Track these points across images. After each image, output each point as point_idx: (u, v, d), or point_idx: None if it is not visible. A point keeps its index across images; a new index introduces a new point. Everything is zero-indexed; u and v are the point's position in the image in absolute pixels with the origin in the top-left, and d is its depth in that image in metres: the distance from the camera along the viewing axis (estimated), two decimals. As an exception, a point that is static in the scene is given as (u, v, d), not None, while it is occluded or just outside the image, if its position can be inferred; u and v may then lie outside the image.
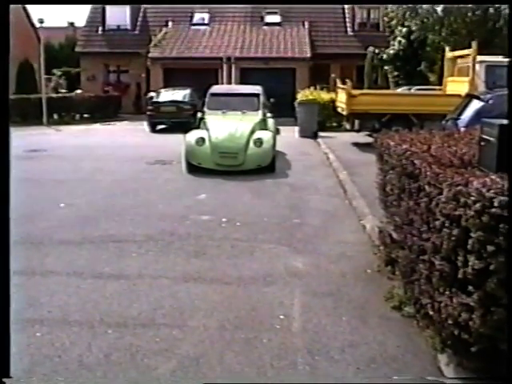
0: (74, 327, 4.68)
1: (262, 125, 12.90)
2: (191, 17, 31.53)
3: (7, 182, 3.34)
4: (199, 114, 13.65)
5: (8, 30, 3.48)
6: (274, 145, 12.37)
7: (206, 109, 13.52)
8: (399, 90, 22.22)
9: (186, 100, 21.90)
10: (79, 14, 68.59)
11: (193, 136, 12.11)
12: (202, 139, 11.90)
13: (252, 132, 12.09)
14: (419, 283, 4.39)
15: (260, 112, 13.24)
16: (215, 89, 14.92)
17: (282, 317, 4.83)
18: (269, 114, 14.10)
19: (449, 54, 17.10)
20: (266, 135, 12.16)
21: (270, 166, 11.83)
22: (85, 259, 6.35)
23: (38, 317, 4.86)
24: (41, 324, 4.73)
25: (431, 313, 4.02)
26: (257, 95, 13.77)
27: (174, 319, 4.82)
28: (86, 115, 26.42)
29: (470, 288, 3.38)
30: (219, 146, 11.74)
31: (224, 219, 7.95)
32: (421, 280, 4.33)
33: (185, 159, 12.06)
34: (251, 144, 11.81)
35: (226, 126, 12.34)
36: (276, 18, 31.20)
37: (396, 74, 26.27)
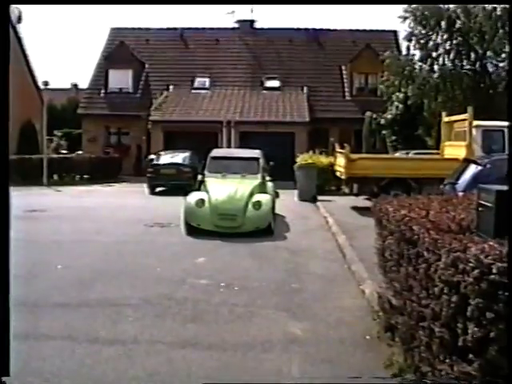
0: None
1: (261, 188, 13.14)
2: (192, 81, 32.16)
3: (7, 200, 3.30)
4: (199, 177, 13.90)
5: (8, 29, 3.50)
6: (272, 208, 12.49)
7: (206, 171, 13.72)
8: (397, 154, 22.47)
9: (186, 163, 22.09)
10: (83, 76, 70.30)
11: (193, 198, 12.32)
12: (202, 201, 12.09)
13: (251, 195, 12.30)
14: (419, 350, 4.32)
15: (259, 175, 13.49)
16: (216, 152, 15.20)
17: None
18: (268, 178, 14.46)
19: (445, 119, 17.38)
20: (264, 198, 12.38)
21: (268, 229, 11.95)
22: (80, 323, 6.25)
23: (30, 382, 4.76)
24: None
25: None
26: (256, 159, 14.06)
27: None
28: (86, 176, 26.58)
29: (471, 356, 3.33)
30: (219, 208, 11.90)
31: (222, 283, 7.88)
32: (421, 347, 4.27)
33: (184, 221, 12.12)
34: (250, 206, 11.99)
35: (225, 188, 12.53)
36: (275, 83, 31.84)
37: (394, 138, 26.60)
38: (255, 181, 13.19)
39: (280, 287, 7.85)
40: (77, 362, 5.15)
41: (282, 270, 8.98)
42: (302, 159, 20.59)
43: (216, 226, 11.75)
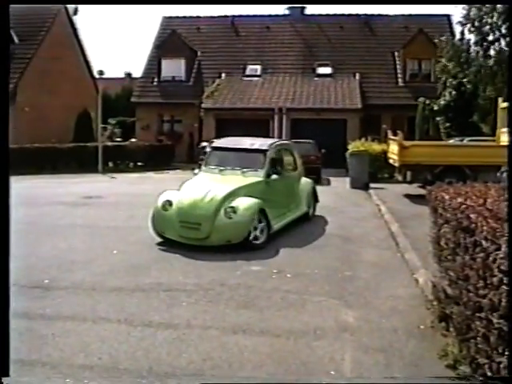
0: (124, 375, 4.70)
1: (262, 188, 10.43)
2: (244, 68, 32.18)
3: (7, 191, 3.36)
4: (196, 170, 11.75)
5: (8, 29, 3.56)
6: (307, 213, 11.91)
7: (203, 165, 11.44)
8: (451, 142, 22.01)
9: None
10: (136, 65, 71.37)
11: (163, 197, 10.04)
12: (169, 203, 9.81)
13: (229, 197, 9.66)
14: (476, 341, 4.24)
15: (263, 172, 10.64)
16: (220, 142, 12.49)
17: (332, 372, 4.73)
18: (296, 174, 12.43)
19: (502, 105, 16.90)
20: (245, 203, 9.59)
21: (244, 243, 9.33)
22: (135, 307, 6.39)
23: (89, 363, 4.89)
24: (90, 371, 4.76)
25: (489, 374, 3.87)
26: (263, 151, 10.99)
27: (222, 371, 4.77)
28: (139, 163, 27.00)
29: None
30: (180, 213, 9.59)
31: (275, 270, 7.92)
32: (477, 338, 4.19)
33: (151, 225, 10.04)
34: (221, 213, 9.44)
35: (198, 188, 10.07)
36: (327, 70, 31.55)
37: (448, 124, 26.02)
38: (253, 179, 10.53)
39: (332, 275, 7.82)
40: (133, 345, 5.27)
41: (335, 257, 8.94)
42: (353, 146, 20.39)
43: (180, 237, 9.54)
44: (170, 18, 36.34)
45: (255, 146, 11.26)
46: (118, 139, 33.05)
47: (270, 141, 12.38)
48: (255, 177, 10.60)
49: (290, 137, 26.79)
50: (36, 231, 10.85)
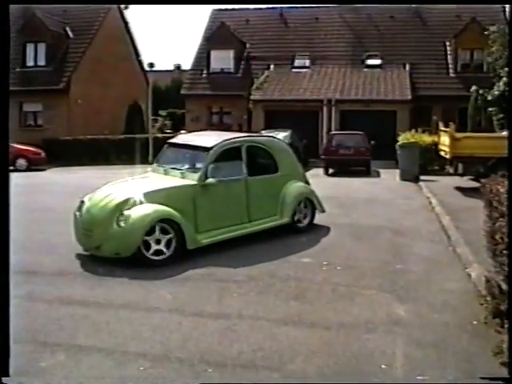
0: (175, 364, 4.78)
1: (192, 192, 8.63)
2: (292, 60, 32.05)
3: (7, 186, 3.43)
4: (149, 169, 10.43)
5: (8, 29, 3.57)
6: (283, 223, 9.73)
7: (154, 163, 10.22)
8: (505, 133, 21.45)
9: (287, 141, 22.06)
10: (186, 58, 72.10)
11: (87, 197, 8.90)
12: (82, 203, 8.74)
13: (128, 202, 8.20)
14: (532, 339, 4.16)
15: (198, 175, 8.78)
16: (178, 138, 10.83)
17: (383, 366, 4.70)
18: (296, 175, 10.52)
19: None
20: (141, 210, 8.05)
21: (134, 257, 7.86)
22: (187, 296, 6.49)
23: (142, 351, 5.00)
24: (144, 358, 4.87)
25: None
26: (207, 149, 9.08)
27: (273, 362, 4.81)
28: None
29: None
30: (81, 218, 8.55)
31: (325, 262, 7.91)
32: (534, 335, 4.11)
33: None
34: (114, 221, 8.08)
35: (109, 189, 8.88)
36: (377, 61, 31.14)
37: (501, 116, 25.36)
38: (184, 182, 8.90)
39: (383, 268, 7.76)
40: (184, 335, 5.36)
41: (385, 250, 8.86)
42: (403, 138, 20.10)
43: (81, 243, 8.53)
44: (220, 10, 36.46)
45: (201, 143, 9.47)
46: (169, 131, 33.44)
47: (227, 136, 9.69)
48: (189, 179, 8.86)
49: (339, 128, 26.64)
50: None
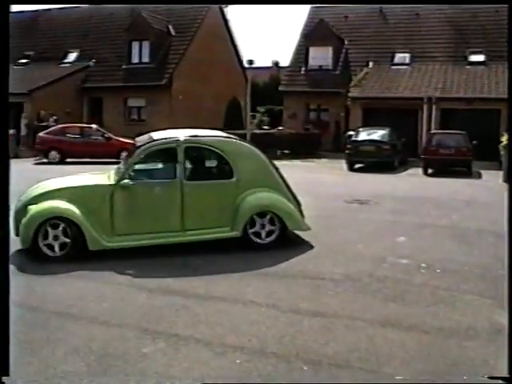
0: (271, 359, 4.82)
1: (107, 192, 8.17)
2: (392, 57, 31.46)
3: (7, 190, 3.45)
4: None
5: (8, 29, 3.58)
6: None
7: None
8: None
9: (385, 140, 21.79)
10: (283, 54, 72.38)
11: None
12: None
13: (39, 198, 8.20)
14: None
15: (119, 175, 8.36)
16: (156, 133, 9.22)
17: (485, 377, 4.52)
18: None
19: None
20: (38, 207, 7.97)
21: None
22: (283, 292, 6.52)
23: (239, 344, 5.08)
24: (241, 351, 4.94)
25: None
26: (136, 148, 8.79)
27: (369, 364, 4.75)
28: (286, 151, 27.36)
29: None
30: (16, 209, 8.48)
31: (423, 264, 7.72)
32: None
33: None
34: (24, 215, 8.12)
35: (46, 183, 8.96)
36: (480, 57, 29.96)
37: None
38: (103, 181, 8.61)
39: (485, 273, 7.47)
40: (280, 330, 5.39)
41: (487, 254, 8.53)
42: (508, 138, 19.23)
43: None
44: (318, 7, 36.31)
45: (138, 143, 9.03)
46: (266, 127, 33.73)
47: (172, 135, 8.81)
48: (111, 179, 8.44)
49: (439, 127, 25.90)
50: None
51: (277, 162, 23.32)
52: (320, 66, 32.61)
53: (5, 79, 3.48)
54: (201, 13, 33.76)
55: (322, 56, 32.48)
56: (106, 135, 24.72)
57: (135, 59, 32.26)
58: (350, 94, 28.79)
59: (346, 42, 33.32)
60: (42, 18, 38.36)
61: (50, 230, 7.90)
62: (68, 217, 7.90)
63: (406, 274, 7.33)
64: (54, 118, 27.86)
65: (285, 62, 38.23)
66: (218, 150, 8.63)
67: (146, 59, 31.99)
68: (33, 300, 6.31)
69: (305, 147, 27.42)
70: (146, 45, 31.93)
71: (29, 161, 24.98)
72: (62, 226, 7.91)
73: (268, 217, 8.60)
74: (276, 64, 53.26)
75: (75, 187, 8.44)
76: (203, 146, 8.70)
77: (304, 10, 61.90)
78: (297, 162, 24.40)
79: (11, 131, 27.43)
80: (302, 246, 8.70)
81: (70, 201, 8.05)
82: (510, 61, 5.97)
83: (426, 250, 8.65)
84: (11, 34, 3.74)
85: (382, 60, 31.25)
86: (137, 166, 8.46)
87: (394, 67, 30.84)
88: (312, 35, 32.68)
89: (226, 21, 36.32)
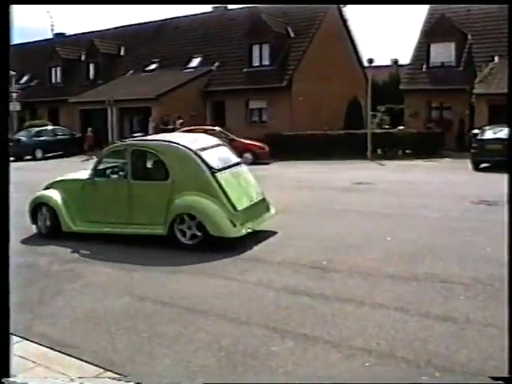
0: (402, 363, 4.73)
1: (81, 186, 10.20)
2: (518, 50, 29.84)
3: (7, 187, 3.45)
4: None
5: (8, 29, 3.50)
6: None
7: None
8: None
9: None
10: (403, 52, 70.67)
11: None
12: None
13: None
14: None
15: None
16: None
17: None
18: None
19: None
20: (40, 193, 10.82)
21: None
22: (411, 296, 6.39)
23: (368, 347, 5.04)
24: (369, 355, 4.90)
25: None
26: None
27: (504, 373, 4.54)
28: (408, 151, 26.74)
29: None
30: None
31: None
32: None
33: None
34: None
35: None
36: None
37: None
38: (82, 176, 10.62)
39: None
40: (410, 335, 5.28)
41: None
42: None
43: None
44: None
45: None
46: (387, 126, 33.17)
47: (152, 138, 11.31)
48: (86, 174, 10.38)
49: None
50: (312, 214, 11.61)
51: (398, 162, 23.00)
52: (442, 63, 31.49)
53: (5, 79, 3.54)
54: (319, 14, 33.72)
55: (444, 52, 31.36)
56: (229, 137, 25.37)
57: (256, 62, 32.81)
58: (474, 91, 27.57)
59: (469, 37, 31.96)
60: (167, 27, 40.01)
61: (40, 212, 10.27)
62: (48, 203, 10.13)
63: None
64: (181, 121, 28.96)
65: (404, 59, 37.38)
66: (158, 154, 9.51)
67: (266, 62, 32.44)
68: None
69: (427, 147, 26.60)
70: (265, 47, 32.37)
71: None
72: (44, 209, 10.17)
73: (197, 220, 8.96)
74: (395, 62, 52.16)
75: (64, 180, 10.59)
76: (147, 149, 9.83)
77: (423, 6, 60.13)
78: (419, 162, 23.75)
79: (139, 134, 28.91)
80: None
81: (61, 191, 10.26)
82: (511, 60, 5.54)
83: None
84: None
85: (507, 54, 29.69)
86: (101, 166, 10.15)
87: (521, 61, 29.23)
88: (433, 31, 31.64)
89: (344, 20, 36.05)
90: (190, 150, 9.31)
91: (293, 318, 5.76)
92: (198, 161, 9.20)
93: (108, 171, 10.19)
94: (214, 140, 10.46)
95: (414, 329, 5.43)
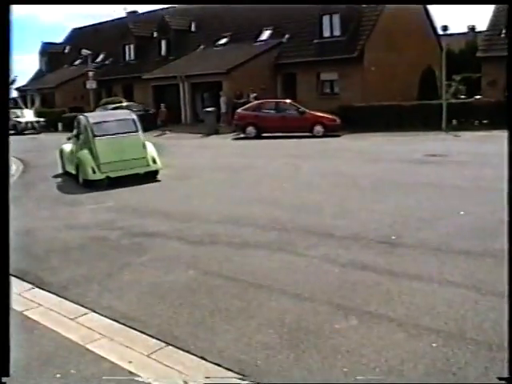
0: (471, 345, 4.50)
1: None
2: None
3: (6, 184, 3.34)
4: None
5: (9, 29, 3.35)
6: None
7: None
8: None
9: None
10: (480, 18, 67.26)
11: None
12: None
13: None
14: None
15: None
16: None
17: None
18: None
19: None
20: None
21: None
22: (484, 274, 6.07)
23: (435, 327, 4.82)
24: (437, 335, 4.69)
25: None
26: None
27: None
28: (484, 121, 25.68)
29: None
30: None
31: None
32: None
33: None
34: None
35: None
36: None
37: None
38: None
39: None
40: (480, 315, 5.01)
41: None
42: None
43: None
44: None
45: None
46: (463, 96, 31.92)
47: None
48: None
49: None
50: (381, 187, 11.31)
51: (474, 133, 22.12)
52: (523, 27, 29.97)
53: (5, 79, 3.53)
54: (392, -20, 32.68)
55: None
56: (300, 109, 25.12)
57: (326, 33, 32.20)
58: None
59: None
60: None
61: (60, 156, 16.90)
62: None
63: None
64: (255, 94, 28.94)
65: (482, 26, 35.71)
66: (80, 123, 15.15)
67: (337, 32, 31.79)
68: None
69: (505, 117, 25.44)
70: (336, 18, 31.70)
71: (227, 136, 26.18)
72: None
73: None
74: (472, 29, 49.97)
75: (66, 145, 16.33)
76: (78, 120, 15.54)
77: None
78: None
79: (211, 109, 29.09)
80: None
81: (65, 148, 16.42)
82: (510, 60, 4.97)
83: None
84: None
85: None
86: (75, 131, 15.47)
87: None
88: (514, -7, 30.08)
89: (416, -13, 34.77)
90: (88, 121, 14.30)
91: (358, 295, 5.61)
92: (89, 129, 14.12)
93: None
94: (124, 115, 15.38)
95: (485, 308, 5.16)
